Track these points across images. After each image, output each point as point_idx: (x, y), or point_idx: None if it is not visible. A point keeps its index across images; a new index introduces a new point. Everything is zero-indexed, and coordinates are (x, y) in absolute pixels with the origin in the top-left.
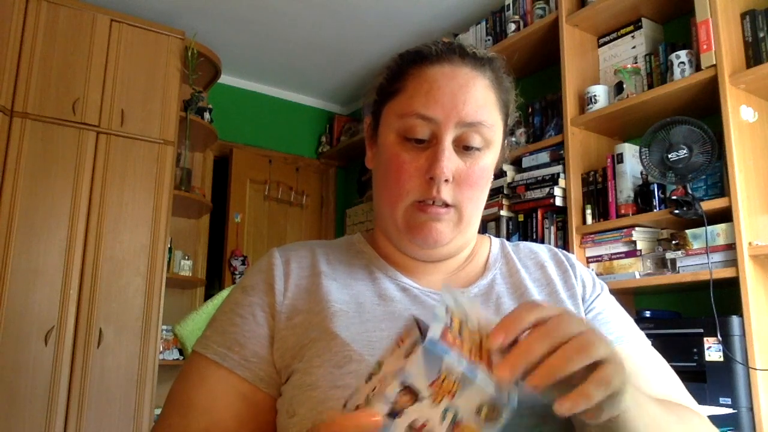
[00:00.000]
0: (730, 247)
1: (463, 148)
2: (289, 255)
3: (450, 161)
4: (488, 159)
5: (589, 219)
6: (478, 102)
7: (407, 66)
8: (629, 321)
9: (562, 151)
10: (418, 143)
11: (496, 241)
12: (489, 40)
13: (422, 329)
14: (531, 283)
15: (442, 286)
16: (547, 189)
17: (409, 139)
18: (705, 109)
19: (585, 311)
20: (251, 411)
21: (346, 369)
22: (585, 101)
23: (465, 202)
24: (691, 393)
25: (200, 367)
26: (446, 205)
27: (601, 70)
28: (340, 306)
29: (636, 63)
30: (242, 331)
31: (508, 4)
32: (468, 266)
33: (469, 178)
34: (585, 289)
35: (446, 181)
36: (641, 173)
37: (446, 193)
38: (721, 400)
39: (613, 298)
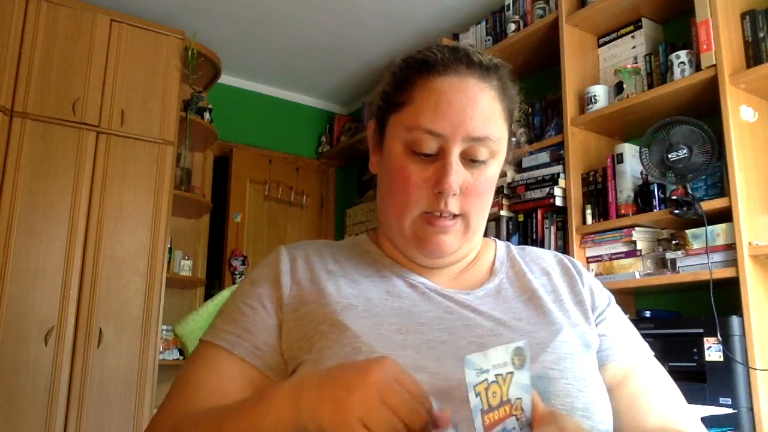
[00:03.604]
0: (730, 247)
1: (470, 160)
2: (295, 252)
3: (457, 175)
4: (493, 169)
5: (589, 219)
6: (485, 115)
7: (413, 76)
8: (636, 334)
9: (562, 151)
10: (425, 156)
11: (501, 244)
12: (489, 40)
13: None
14: (539, 287)
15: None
16: (547, 189)
17: (416, 152)
18: (705, 109)
19: (595, 320)
20: None
21: (356, 360)
22: (585, 101)
23: (472, 211)
24: (691, 393)
25: (210, 353)
26: (453, 216)
27: (601, 70)
28: (348, 300)
29: (636, 63)
30: (252, 320)
31: (508, 4)
32: (472, 268)
33: (476, 189)
34: (594, 298)
35: (453, 194)
36: (641, 173)
37: (453, 205)
38: (721, 400)
39: (618, 308)
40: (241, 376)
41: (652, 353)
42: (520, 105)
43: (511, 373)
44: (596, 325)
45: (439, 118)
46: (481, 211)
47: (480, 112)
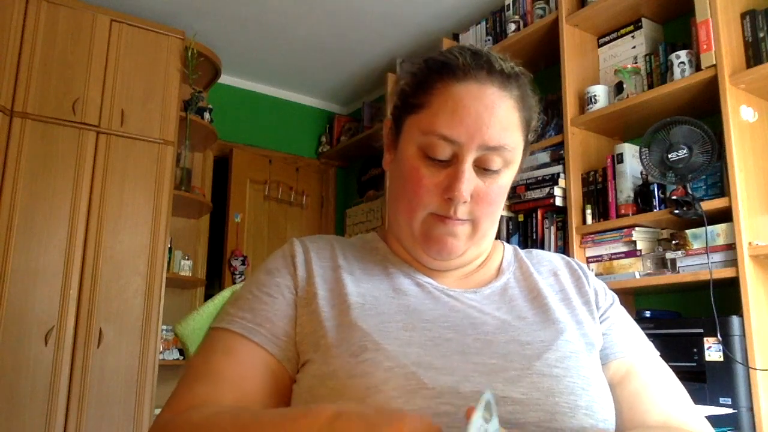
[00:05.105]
0: (730, 247)
1: (483, 168)
2: (308, 245)
3: (469, 183)
4: (507, 178)
5: (589, 219)
6: (502, 124)
7: (433, 78)
8: (640, 334)
9: (562, 151)
10: (438, 161)
11: (509, 247)
12: (489, 40)
13: None
14: (546, 287)
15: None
16: (547, 189)
17: (430, 156)
18: (705, 109)
19: (599, 318)
20: (279, 387)
21: (362, 357)
22: (585, 101)
23: (481, 217)
24: (691, 393)
25: (226, 340)
26: (463, 219)
27: (601, 70)
28: (356, 298)
29: (636, 63)
30: (272, 309)
31: (508, 4)
32: (481, 270)
33: (487, 197)
34: (598, 297)
35: (464, 201)
36: (641, 173)
37: (462, 211)
38: (721, 400)
39: (624, 309)
40: (261, 363)
41: (658, 354)
42: (538, 115)
43: (486, 430)
44: (600, 323)
45: (456, 124)
46: (491, 217)
47: (497, 121)
